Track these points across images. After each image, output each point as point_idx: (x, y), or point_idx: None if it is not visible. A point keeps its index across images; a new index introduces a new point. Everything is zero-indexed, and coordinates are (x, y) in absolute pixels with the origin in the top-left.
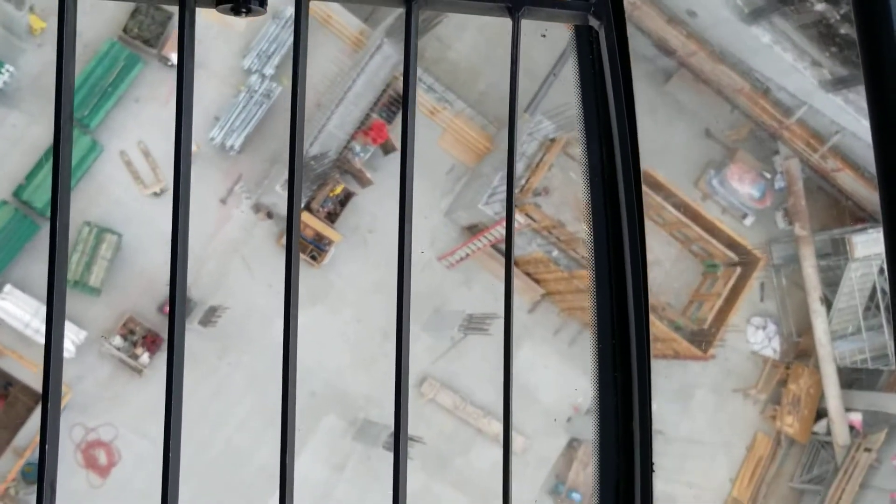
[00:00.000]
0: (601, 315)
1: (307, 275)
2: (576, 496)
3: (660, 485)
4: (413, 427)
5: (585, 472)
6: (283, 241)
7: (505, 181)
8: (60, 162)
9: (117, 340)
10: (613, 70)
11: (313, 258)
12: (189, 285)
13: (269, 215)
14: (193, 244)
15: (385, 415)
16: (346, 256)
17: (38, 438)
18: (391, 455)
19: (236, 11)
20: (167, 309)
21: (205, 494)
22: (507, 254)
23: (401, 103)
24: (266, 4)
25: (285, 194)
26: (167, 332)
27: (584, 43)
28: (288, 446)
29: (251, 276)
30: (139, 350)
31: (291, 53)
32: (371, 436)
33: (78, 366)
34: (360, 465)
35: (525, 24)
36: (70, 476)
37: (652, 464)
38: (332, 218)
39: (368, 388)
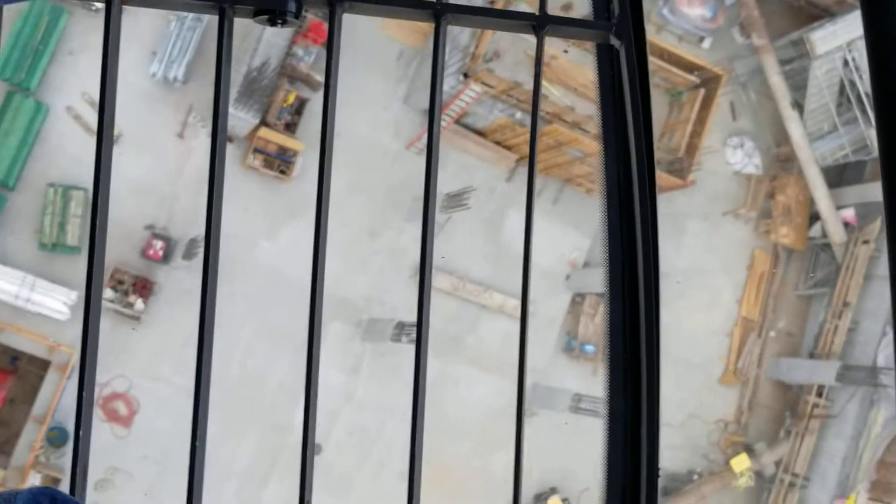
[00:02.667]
0: (614, 327)
1: (280, 190)
2: (589, 348)
3: (667, 317)
4: (416, 315)
5: (594, 323)
6: (249, 162)
7: (455, 53)
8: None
9: (108, 293)
10: (633, 88)
11: (282, 172)
12: (165, 225)
13: (229, 139)
14: (161, 184)
15: (387, 310)
16: (315, 164)
17: (55, 403)
18: (402, 347)
19: (272, 23)
20: (151, 252)
21: (231, 422)
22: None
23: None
24: (300, 17)
25: (237, 113)
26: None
27: (605, 60)
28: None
29: (225, 203)
30: (132, 298)
31: None
32: (378, 332)
33: (76, 326)
34: (375, 362)
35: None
36: (96, 433)
37: (658, 469)
38: (291, 128)
39: (365, 288)
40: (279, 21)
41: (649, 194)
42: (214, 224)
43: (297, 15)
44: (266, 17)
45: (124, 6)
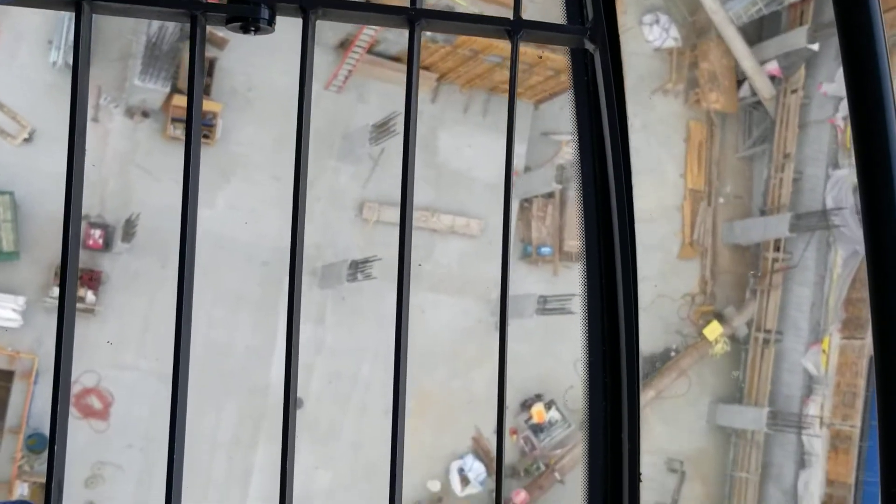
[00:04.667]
0: (591, 328)
1: (207, 155)
2: (545, 250)
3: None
4: (368, 252)
5: (546, 226)
6: (170, 133)
7: None
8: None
9: (56, 291)
10: (608, 93)
11: (205, 137)
12: (99, 213)
13: (145, 114)
14: (86, 172)
15: (339, 251)
16: (236, 123)
17: (26, 410)
18: (360, 286)
19: (245, 30)
20: (90, 242)
21: (208, 393)
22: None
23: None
24: (274, 23)
25: (146, 86)
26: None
27: (580, 65)
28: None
29: (155, 178)
30: (82, 291)
31: None
32: (334, 276)
33: (32, 330)
34: (338, 307)
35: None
36: (75, 432)
37: (639, 473)
38: (204, 90)
39: (313, 235)
40: (252, 28)
41: (626, 190)
42: (190, 227)
43: (271, 22)
44: (238, 24)
45: (94, 14)
